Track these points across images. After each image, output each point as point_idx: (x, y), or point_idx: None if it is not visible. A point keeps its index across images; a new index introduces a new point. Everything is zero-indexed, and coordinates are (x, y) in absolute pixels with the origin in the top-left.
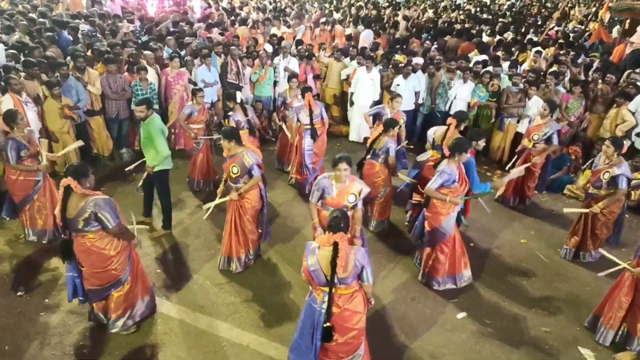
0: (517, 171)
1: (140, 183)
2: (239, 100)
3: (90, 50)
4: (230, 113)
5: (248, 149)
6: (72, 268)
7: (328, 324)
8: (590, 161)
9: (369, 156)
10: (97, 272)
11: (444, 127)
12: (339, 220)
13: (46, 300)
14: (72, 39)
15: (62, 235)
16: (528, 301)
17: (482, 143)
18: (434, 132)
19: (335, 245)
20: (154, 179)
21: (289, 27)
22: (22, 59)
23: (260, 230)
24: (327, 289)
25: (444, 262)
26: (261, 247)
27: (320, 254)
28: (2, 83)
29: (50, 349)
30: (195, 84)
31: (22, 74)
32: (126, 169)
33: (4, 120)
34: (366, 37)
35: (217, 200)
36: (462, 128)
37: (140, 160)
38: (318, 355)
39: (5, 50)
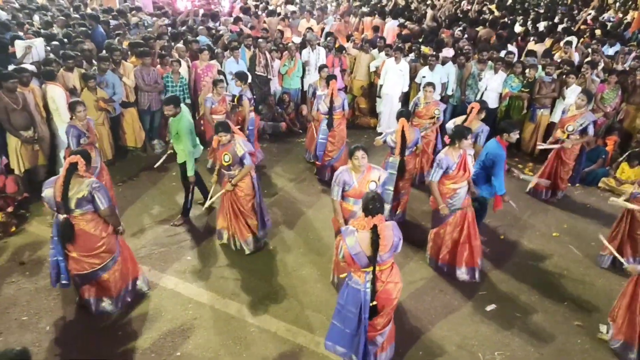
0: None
1: (159, 162)
2: (249, 81)
3: (128, 44)
4: (241, 92)
5: (240, 138)
6: (57, 252)
7: (374, 303)
8: (627, 153)
9: (406, 153)
10: (87, 255)
11: (463, 116)
12: (375, 201)
13: None
14: (105, 33)
15: (58, 214)
16: (560, 295)
17: (514, 135)
18: (454, 123)
19: (375, 228)
20: (183, 168)
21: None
22: (61, 52)
23: (257, 217)
24: (368, 269)
25: (442, 247)
26: (288, 237)
27: (359, 236)
28: (42, 76)
29: (84, 330)
30: (225, 76)
31: (62, 67)
32: (155, 166)
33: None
34: (391, 29)
35: (214, 197)
36: (483, 116)
37: (165, 155)
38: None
39: (46, 45)
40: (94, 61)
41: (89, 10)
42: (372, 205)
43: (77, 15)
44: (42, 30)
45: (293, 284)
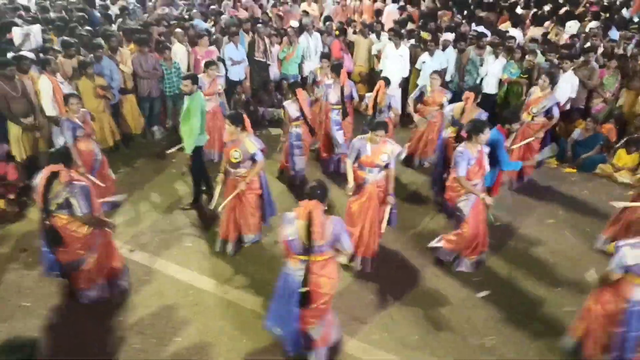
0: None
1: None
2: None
3: (122, 31)
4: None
5: (250, 134)
6: (44, 244)
7: (306, 289)
8: (624, 140)
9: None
10: (64, 250)
11: (461, 103)
12: (315, 189)
13: None
14: (104, 16)
15: (43, 219)
16: (553, 281)
17: (516, 126)
18: (452, 109)
19: (310, 213)
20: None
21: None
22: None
23: (260, 213)
24: (303, 257)
25: (458, 241)
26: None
27: (298, 223)
28: (39, 64)
29: (85, 315)
30: (224, 62)
31: (60, 54)
32: (167, 151)
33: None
34: (390, 13)
35: (224, 201)
36: (478, 100)
37: (180, 145)
38: (298, 320)
39: (43, 28)
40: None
41: None
42: (311, 191)
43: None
44: (38, 16)
45: None
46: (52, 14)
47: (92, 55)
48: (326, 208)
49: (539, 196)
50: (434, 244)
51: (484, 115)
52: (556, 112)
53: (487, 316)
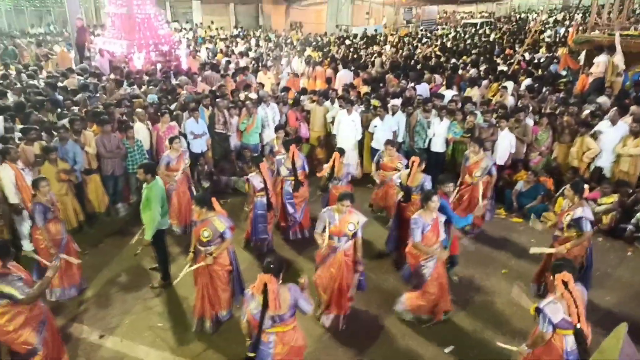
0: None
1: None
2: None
3: (84, 112)
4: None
5: (219, 213)
6: None
7: (252, 354)
8: (562, 188)
9: (330, 183)
10: (8, 344)
11: (407, 170)
12: (270, 264)
13: None
14: (62, 98)
15: None
16: (511, 330)
17: (446, 188)
18: (399, 176)
19: (265, 286)
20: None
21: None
22: (20, 126)
23: (231, 289)
24: (271, 329)
25: (425, 304)
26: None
27: (259, 299)
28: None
29: None
30: (185, 136)
31: (21, 141)
32: (135, 254)
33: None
34: (343, 78)
35: (192, 267)
36: (423, 167)
37: (141, 232)
38: None
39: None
40: (54, 132)
41: (45, 73)
42: (267, 265)
43: (33, 82)
44: None
45: None
46: (10, 97)
47: (57, 138)
48: (281, 281)
49: (492, 247)
50: (399, 307)
51: (428, 180)
52: (494, 171)
53: None
